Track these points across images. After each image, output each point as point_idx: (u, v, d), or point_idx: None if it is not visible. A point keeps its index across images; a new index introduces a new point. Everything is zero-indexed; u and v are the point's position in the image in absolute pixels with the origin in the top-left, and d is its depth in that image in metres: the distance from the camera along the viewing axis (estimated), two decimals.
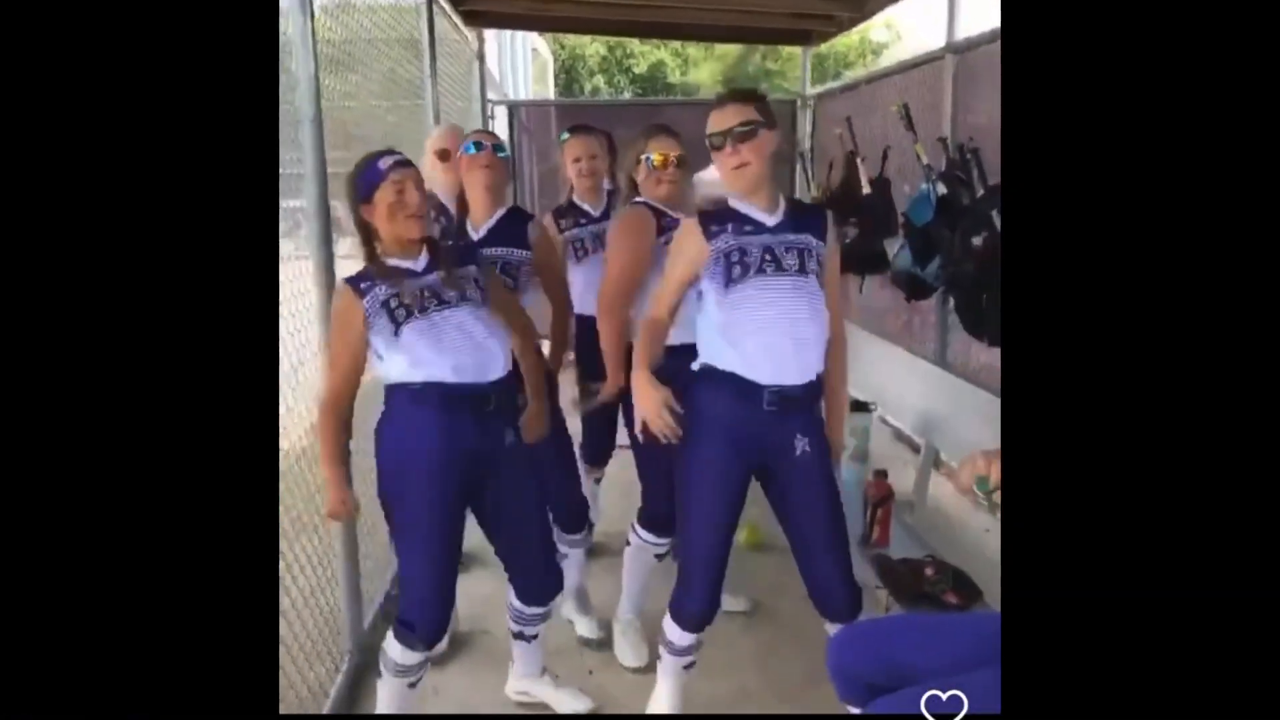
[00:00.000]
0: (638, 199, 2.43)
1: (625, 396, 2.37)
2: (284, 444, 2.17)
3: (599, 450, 2.88)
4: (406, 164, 1.94)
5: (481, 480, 2.02)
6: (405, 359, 1.91)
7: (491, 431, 2.01)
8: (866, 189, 4.19)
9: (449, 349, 1.92)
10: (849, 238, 4.04)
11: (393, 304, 1.90)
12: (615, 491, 3.19)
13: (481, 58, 5.69)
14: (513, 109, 6.22)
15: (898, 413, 3.76)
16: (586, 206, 2.83)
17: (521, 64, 14.07)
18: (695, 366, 2.04)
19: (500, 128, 6.01)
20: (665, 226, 2.34)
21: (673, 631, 2.14)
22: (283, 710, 2.05)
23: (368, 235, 1.97)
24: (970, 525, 3.48)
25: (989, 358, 3.52)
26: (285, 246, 2.52)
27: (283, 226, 2.79)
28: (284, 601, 2.23)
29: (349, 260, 2.39)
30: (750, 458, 2.02)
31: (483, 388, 1.96)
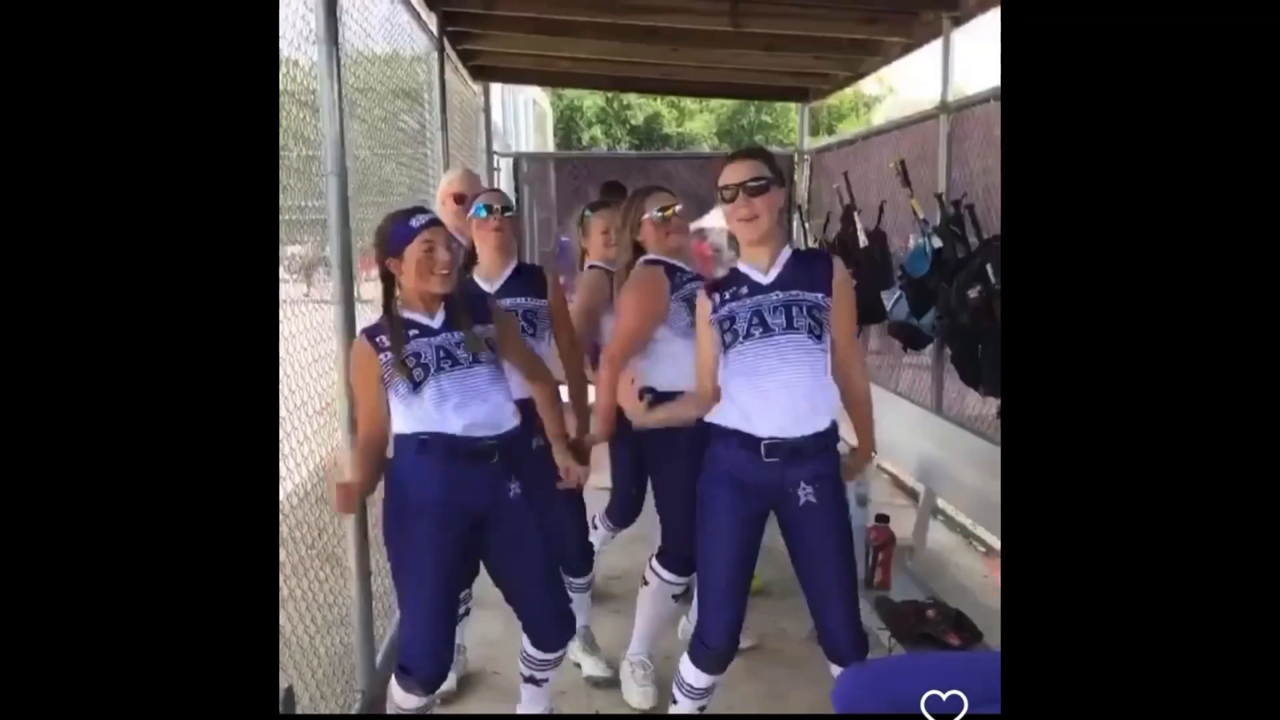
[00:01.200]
0: (648, 257, 2.51)
1: (644, 445, 2.48)
2: (293, 484, 2.25)
3: (626, 512, 2.91)
4: (437, 223, 2.04)
5: (484, 533, 2.10)
6: (419, 414, 2.02)
7: (495, 485, 2.09)
8: (864, 241, 4.31)
9: (463, 409, 2.02)
10: None
11: (410, 363, 2.00)
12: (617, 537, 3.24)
13: (487, 110, 5.84)
14: (516, 160, 6.37)
15: (896, 460, 3.85)
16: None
17: (522, 115, 14.32)
18: (706, 419, 2.13)
19: (505, 178, 6.15)
20: (679, 283, 2.44)
21: (690, 674, 2.18)
22: None
23: (389, 286, 2.07)
24: (969, 570, 3.55)
25: (984, 408, 3.61)
26: (307, 291, 2.61)
27: (302, 273, 2.88)
28: (294, 640, 2.28)
29: (373, 305, 2.48)
30: (760, 502, 2.10)
31: (491, 440, 2.05)
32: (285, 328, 2.20)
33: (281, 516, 2.27)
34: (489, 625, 2.97)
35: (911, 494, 4.44)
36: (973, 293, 3.20)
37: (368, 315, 2.51)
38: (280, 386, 2.14)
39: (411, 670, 2.04)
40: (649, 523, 2.66)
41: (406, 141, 3.81)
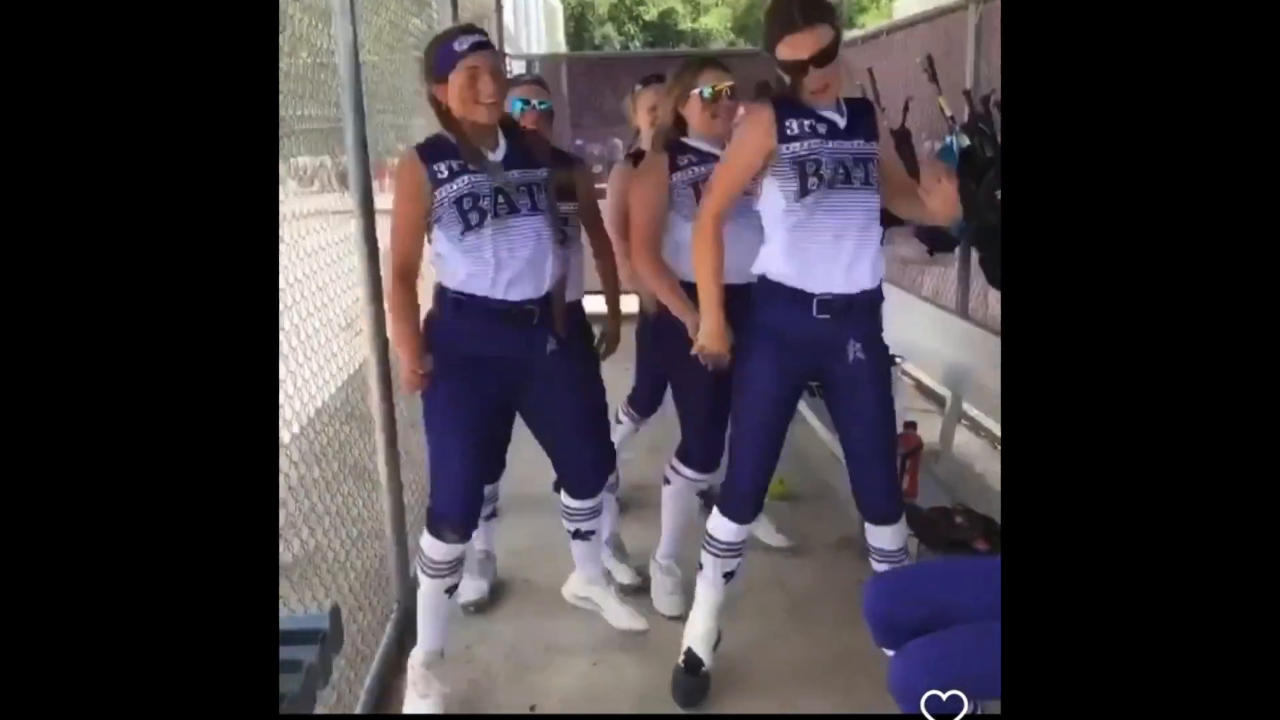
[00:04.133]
0: (682, 139, 2.41)
1: (656, 332, 2.49)
2: (323, 400, 2.25)
3: (649, 400, 2.93)
4: (484, 45, 1.92)
5: (522, 385, 2.12)
6: (463, 267, 1.98)
7: (533, 341, 2.09)
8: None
9: (508, 262, 1.98)
10: None
11: (465, 204, 1.93)
12: (641, 444, 3.26)
13: (499, 11, 5.67)
14: (529, 63, 6.21)
15: (923, 365, 3.83)
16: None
17: (534, 13, 13.92)
18: (753, 271, 2.11)
19: None
20: (683, 164, 2.36)
21: (719, 527, 2.22)
22: (337, 660, 2.16)
23: (442, 112, 1.97)
24: (994, 473, 3.55)
25: None
26: (327, 200, 2.55)
27: (319, 183, 2.82)
28: (329, 553, 2.33)
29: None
30: (804, 362, 2.10)
31: (530, 304, 2.05)
32: (308, 242, 2.17)
33: (313, 434, 2.30)
34: (516, 535, 3.02)
35: (936, 399, 4.43)
36: (1001, 193, 3.12)
37: (386, 226, 2.46)
38: (304, 304, 2.14)
39: (443, 513, 2.09)
40: (672, 432, 2.66)
41: (417, 45, 3.69)
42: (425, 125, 3.96)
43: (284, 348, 1.89)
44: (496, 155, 1.99)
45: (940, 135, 3.82)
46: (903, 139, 4.15)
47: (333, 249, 2.33)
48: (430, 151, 1.96)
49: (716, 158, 2.28)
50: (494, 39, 5.46)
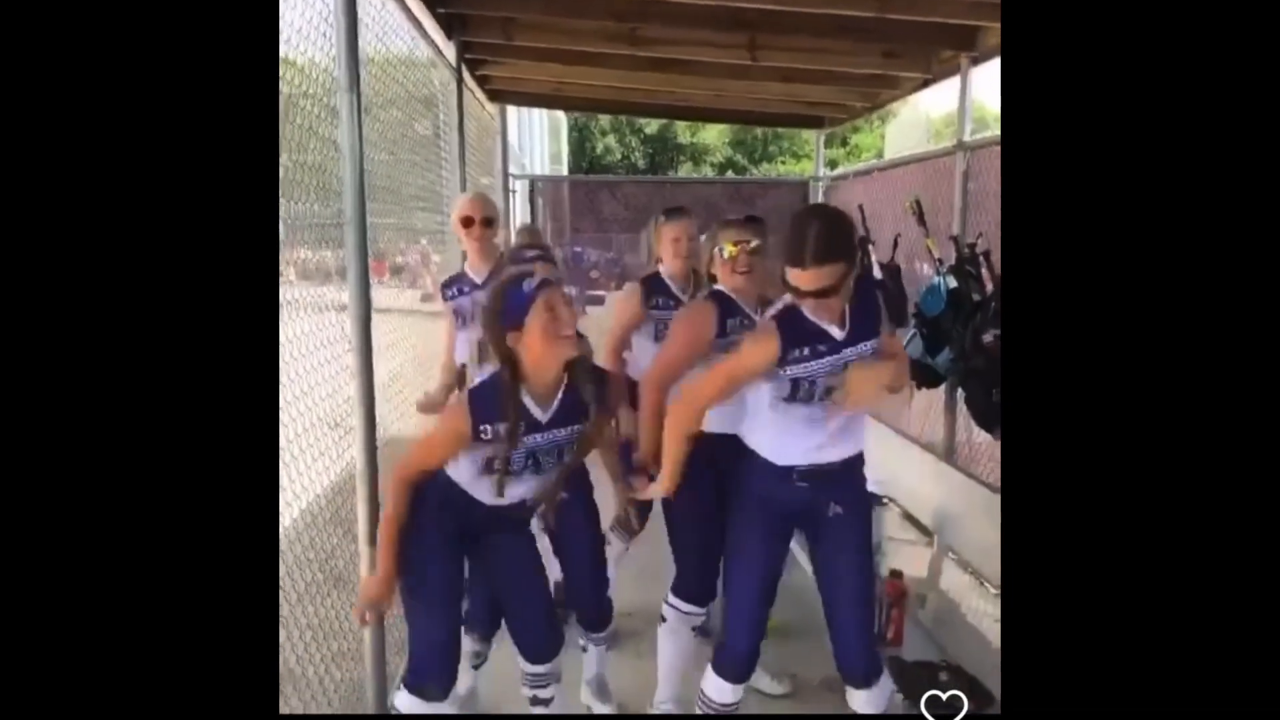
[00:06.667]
0: (715, 287, 2.48)
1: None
2: (304, 504, 2.22)
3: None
4: (549, 281, 1.90)
5: (481, 533, 2.12)
6: (469, 478, 2.02)
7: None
8: (878, 274, 4.31)
9: (514, 493, 2.03)
10: None
11: (495, 465, 1.95)
12: (629, 571, 3.23)
13: (504, 133, 5.86)
14: (533, 183, 6.41)
15: (908, 503, 3.85)
16: (676, 288, 2.83)
17: (537, 124, 14.36)
18: (741, 436, 2.19)
19: (520, 199, 6.19)
20: (731, 327, 2.38)
21: (712, 686, 2.22)
22: None
23: (514, 365, 1.92)
24: (981, 613, 3.53)
25: (996, 449, 3.60)
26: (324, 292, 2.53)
27: (320, 275, 2.81)
28: (300, 674, 2.27)
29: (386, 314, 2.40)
30: (790, 519, 2.19)
31: (530, 506, 2.09)
32: (290, 330, 2.07)
33: (292, 539, 2.25)
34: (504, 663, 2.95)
35: (923, 529, 4.42)
36: (988, 337, 3.20)
37: (380, 326, 2.42)
38: (289, 399, 2.02)
39: (423, 679, 2.07)
40: (663, 557, 2.65)
41: (417, 147, 3.77)
42: (423, 219, 4.06)
43: None
44: (544, 415, 1.96)
45: (927, 267, 3.94)
46: (892, 274, 4.29)
47: (313, 337, 2.24)
48: (485, 407, 1.93)
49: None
50: (497, 157, 5.69)
